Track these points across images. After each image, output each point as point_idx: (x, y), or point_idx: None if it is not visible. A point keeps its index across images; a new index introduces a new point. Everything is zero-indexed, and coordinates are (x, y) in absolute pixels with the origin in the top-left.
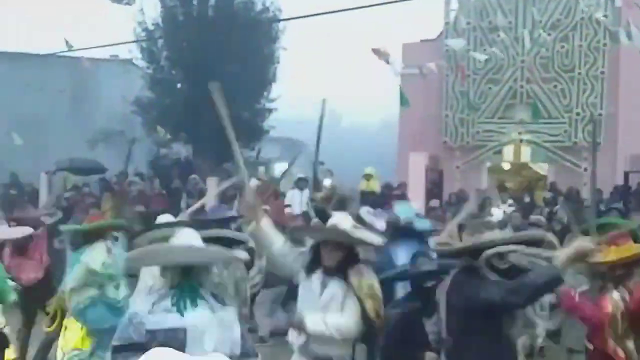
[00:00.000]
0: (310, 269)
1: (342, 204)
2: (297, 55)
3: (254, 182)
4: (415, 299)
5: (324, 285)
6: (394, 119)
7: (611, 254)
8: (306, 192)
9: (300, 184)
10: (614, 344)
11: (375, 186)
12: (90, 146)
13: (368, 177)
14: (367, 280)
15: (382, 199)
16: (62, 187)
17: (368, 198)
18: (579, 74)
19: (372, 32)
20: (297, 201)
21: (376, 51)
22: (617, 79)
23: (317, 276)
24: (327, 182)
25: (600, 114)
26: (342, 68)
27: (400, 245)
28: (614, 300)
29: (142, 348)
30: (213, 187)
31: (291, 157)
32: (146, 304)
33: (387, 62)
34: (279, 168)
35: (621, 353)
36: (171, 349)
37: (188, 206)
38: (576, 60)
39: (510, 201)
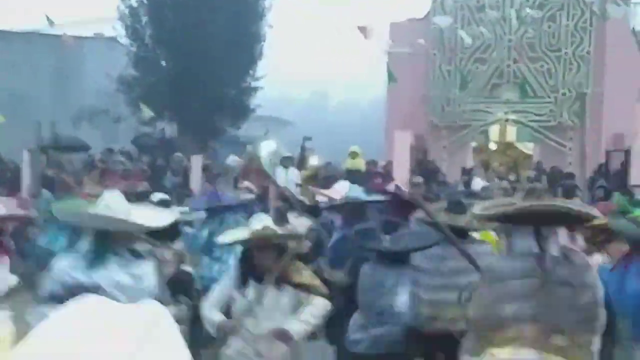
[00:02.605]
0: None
1: (328, 183)
2: (283, 33)
3: (234, 160)
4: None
5: (261, 294)
6: (382, 98)
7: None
8: (292, 170)
9: (285, 162)
10: None
11: (361, 164)
12: (74, 124)
13: (353, 155)
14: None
15: (367, 177)
16: (44, 164)
17: (353, 176)
18: (566, 53)
19: (359, 10)
20: (282, 179)
21: (362, 29)
22: (603, 59)
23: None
24: (313, 160)
25: (585, 94)
26: (329, 46)
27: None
28: (598, 262)
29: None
30: (198, 165)
31: (277, 136)
32: (67, 260)
33: (366, 38)
34: (265, 147)
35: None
36: (102, 297)
37: (172, 184)
38: (563, 40)
39: (495, 180)
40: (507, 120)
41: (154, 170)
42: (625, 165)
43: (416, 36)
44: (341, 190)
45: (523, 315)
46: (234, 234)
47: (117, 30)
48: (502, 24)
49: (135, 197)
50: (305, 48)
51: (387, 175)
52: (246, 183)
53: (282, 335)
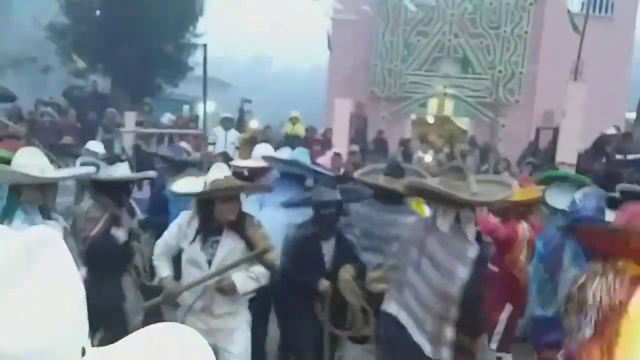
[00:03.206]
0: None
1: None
2: None
3: (169, 117)
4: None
5: (212, 246)
6: (324, 65)
7: (516, 195)
8: (232, 132)
9: (225, 123)
10: (522, 263)
11: (300, 130)
12: None
13: (294, 120)
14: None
15: (306, 143)
16: None
17: (292, 141)
18: (505, 32)
19: None
20: (221, 140)
21: None
22: (540, 38)
23: (200, 238)
24: (253, 123)
25: (521, 72)
26: (274, 9)
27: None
28: (524, 227)
29: None
30: (131, 121)
31: (216, 97)
32: None
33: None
34: (202, 107)
35: (524, 274)
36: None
37: (103, 140)
38: (503, 18)
39: (430, 152)
40: (445, 94)
41: (85, 125)
42: (554, 143)
43: (361, 3)
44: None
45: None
46: (191, 185)
47: None
48: None
49: (59, 150)
50: (250, 9)
51: (326, 142)
52: (183, 143)
53: (229, 289)
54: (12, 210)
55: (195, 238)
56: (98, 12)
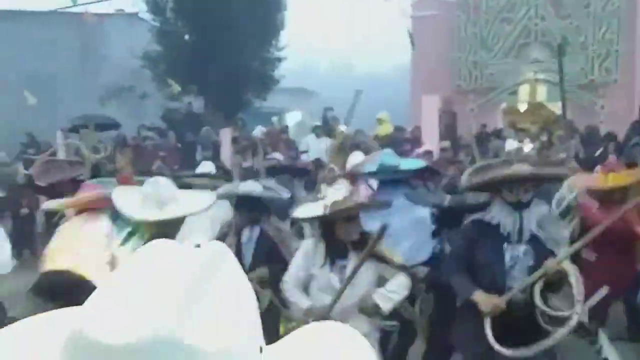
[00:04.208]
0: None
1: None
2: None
3: (260, 130)
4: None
5: (340, 271)
6: (407, 63)
7: (609, 181)
8: (324, 139)
9: (316, 131)
10: None
11: (388, 130)
12: (101, 103)
13: (380, 121)
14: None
15: (396, 143)
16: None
17: (383, 142)
18: (595, 10)
19: None
20: (315, 148)
21: None
22: (635, 13)
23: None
24: (341, 129)
25: (617, 50)
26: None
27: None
28: None
29: None
30: (227, 137)
31: (302, 106)
32: None
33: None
34: (290, 117)
35: None
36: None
37: (204, 158)
38: None
39: (527, 140)
40: (536, 80)
41: (184, 146)
42: None
43: None
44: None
45: None
46: (313, 209)
47: (139, 6)
48: None
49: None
50: (327, 16)
51: (416, 141)
52: (277, 154)
53: (371, 310)
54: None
55: (325, 262)
56: (187, 37)
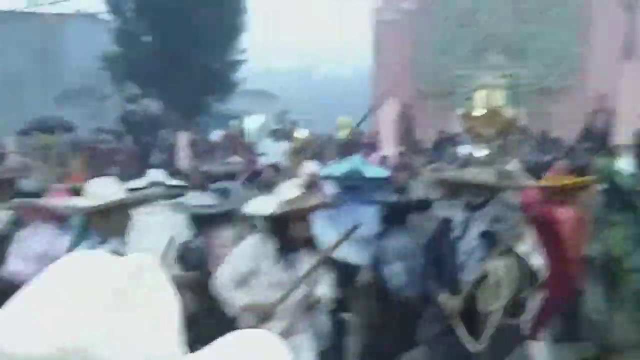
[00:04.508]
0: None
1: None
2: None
3: (219, 134)
4: None
5: (289, 267)
6: (368, 67)
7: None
8: (282, 142)
9: (276, 134)
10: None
11: (346, 135)
12: (57, 105)
13: (341, 126)
14: None
15: (353, 147)
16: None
17: (340, 147)
18: (551, 15)
19: None
20: (272, 151)
21: None
22: (589, 21)
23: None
24: (301, 133)
25: (571, 57)
26: (314, 16)
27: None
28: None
29: None
30: (184, 140)
31: (262, 109)
32: None
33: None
34: (250, 121)
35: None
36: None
37: (158, 162)
38: (548, 1)
39: (482, 146)
40: (493, 85)
41: (141, 149)
42: (609, 125)
43: (402, 1)
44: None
45: None
46: (263, 204)
47: (98, 6)
48: None
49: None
50: (290, 19)
51: (374, 145)
52: (235, 157)
53: (315, 305)
54: (81, 237)
55: (276, 258)
56: (147, 39)
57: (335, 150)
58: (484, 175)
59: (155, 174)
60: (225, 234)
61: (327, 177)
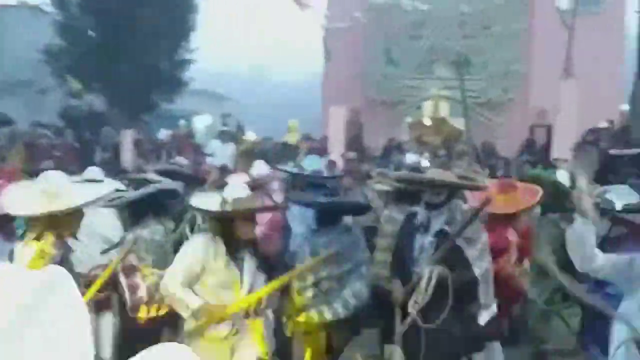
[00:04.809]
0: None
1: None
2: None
3: (165, 133)
4: None
5: (241, 264)
6: (321, 72)
7: (509, 206)
8: (230, 144)
9: (223, 136)
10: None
11: (294, 139)
12: None
13: (290, 129)
14: None
15: (301, 152)
16: None
17: (288, 151)
18: (496, 31)
19: None
20: (219, 152)
21: (298, 1)
22: (532, 37)
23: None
24: (250, 135)
25: (514, 71)
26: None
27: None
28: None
29: None
30: (128, 139)
31: (213, 109)
32: None
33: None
34: (199, 121)
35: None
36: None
37: (102, 160)
38: (494, 18)
39: (426, 154)
40: (440, 96)
41: (82, 145)
42: (548, 140)
43: (354, 10)
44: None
45: None
46: (207, 201)
47: None
48: (437, 0)
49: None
50: (246, 21)
51: (323, 150)
52: (180, 158)
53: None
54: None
55: (226, 258)
56: (92, 33)
57: (283, 153)
58: (446, 176)
59: (93, 172)
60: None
61: (295, 174)
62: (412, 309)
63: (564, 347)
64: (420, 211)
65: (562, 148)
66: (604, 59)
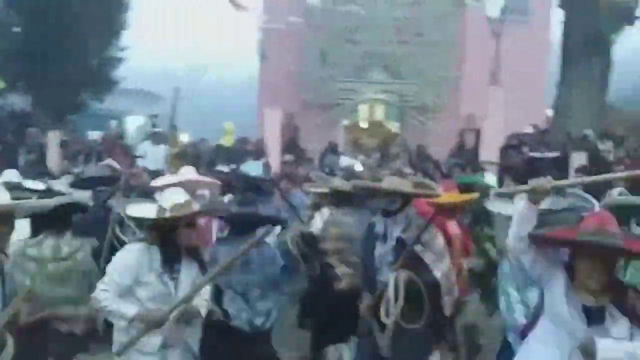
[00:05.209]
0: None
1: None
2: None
3: (96, 135)
4: None
5: (177, 276)
6: (257, 74)
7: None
8: (161, 146)
9: (155, 138)
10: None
11: (232, 141)
12: None
13: (225, 132)
14: None
15: (237, 154)
16: None
17: (223, 154)
18: (429, 38)
19: None
20: (151, 155)
21: (234, 2)
22: (464, 43)
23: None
24: (183, 137)
25: (446, 77)
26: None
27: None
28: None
29: None
30: (55, 140)
31: (146, 110)
32: None
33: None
34: (131, 122)
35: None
36: None
37: (27, 162)
38: (428, 25)
39: (361, 157)
40: (375, 99)
41: (5, 147)
42: (477, 144)
43: (290, 12)
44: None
45: None
46: (144, 209)
47: None
48: (373, 6)
49: None
50: (181, 21)
51: (259, 153)
52: (109, 160)
53: (194, 316)
54: None
55: (162, 268)
56: (17, 29)
57: (217, 156)
58: (401, 184)
59: (10, 175)
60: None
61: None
62: (386, 319)
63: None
64: (378, 220)
65: (489, 152)
66: (530, 66)
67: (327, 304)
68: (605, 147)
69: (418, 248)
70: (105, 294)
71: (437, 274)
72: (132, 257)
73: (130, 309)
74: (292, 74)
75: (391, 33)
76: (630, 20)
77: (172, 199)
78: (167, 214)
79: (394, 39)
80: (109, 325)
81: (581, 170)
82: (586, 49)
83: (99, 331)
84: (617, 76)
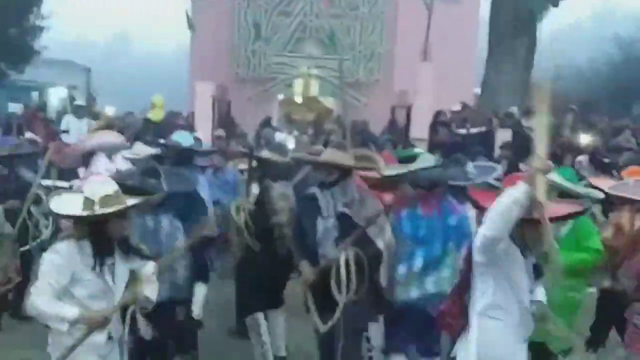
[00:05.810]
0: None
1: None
2: None
3: (18, 107)
4: None
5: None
6: (188, 45)
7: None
8: (85, 119)
9: (77, 111)
10: None
11: (161, 115)
12: None
13: (153, 105)
14: None
15: (166, 129)
16: None
17: (151, 128)
18: (363, 12)
19: None
20: (75, 129)
21: None
22: (396, 18)
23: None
24: (109, 110)
25: (379, 52)
26: None
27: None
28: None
29: None
30: None
31: (71, 81)
32: None
33: None
34: (54, 93)
35: None
36: None
37: None
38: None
39: (294, 133)
40: (309, 74)
41: None
42: (408, 120)
43: None
44: None
45: None
46: (70, 202)
47: None
48: None
49: None
50: None
51: (189, 127)
52: (30, 134)
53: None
54: None
55: (95, 264)
56: None
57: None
58: (340, 157)
59: None
60: None
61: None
62: (340, 298)
63: None
64: (317, 192)
65: (420, 128)
66: (461, 43)
67: (261, 272)
68: (529, 124)
69: (362, 222)
70: (41, 298)
71: (380, 244)
72: (62, 257)
73: (70, 312)
74: (224, 47)
75: (324, 6)
76: (555, 1)
77: (99, 190)
78: (97, 210)
79: (327, 12)
80: None
81: (505, 147)
82: (514, 28)
83: None
84: (540, 55)
